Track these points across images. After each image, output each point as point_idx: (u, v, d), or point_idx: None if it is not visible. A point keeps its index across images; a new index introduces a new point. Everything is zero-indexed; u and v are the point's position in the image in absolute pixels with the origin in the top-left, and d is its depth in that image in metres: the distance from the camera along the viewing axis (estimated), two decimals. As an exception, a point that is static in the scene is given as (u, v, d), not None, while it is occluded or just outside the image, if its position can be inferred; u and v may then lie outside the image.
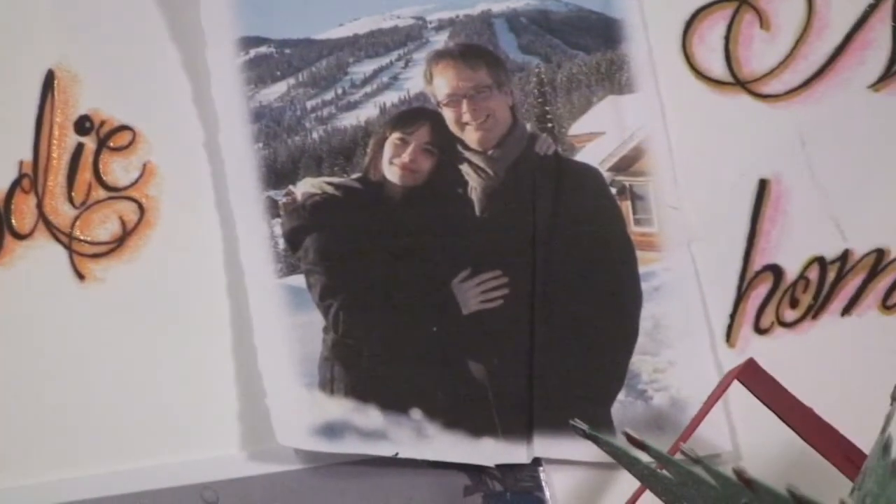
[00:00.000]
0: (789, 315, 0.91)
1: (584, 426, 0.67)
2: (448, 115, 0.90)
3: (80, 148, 0.88)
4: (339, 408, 0.85)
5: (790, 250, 0.91)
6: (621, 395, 0.88)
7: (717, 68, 0.93)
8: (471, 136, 0.89)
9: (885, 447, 0.65)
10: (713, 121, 0.92)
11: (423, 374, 0.87)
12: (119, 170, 0.88)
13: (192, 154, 0.88)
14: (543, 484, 0.87)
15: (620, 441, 0.65)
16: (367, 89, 0.91)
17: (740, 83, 0.92)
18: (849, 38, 0.93)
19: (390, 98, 0.90)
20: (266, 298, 0.86)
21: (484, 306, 0.88)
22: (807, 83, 0.92)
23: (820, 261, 0.91)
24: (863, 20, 0.93)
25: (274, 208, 0.88)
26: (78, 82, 0.88)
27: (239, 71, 0.89)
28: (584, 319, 0.89)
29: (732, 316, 0.91)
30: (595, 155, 0.91)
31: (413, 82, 0.91)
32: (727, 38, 0.93)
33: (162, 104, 0.89)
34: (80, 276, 0.87)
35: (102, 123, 0.88)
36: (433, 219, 0.89)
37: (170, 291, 0.87)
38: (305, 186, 0.88)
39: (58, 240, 0.87)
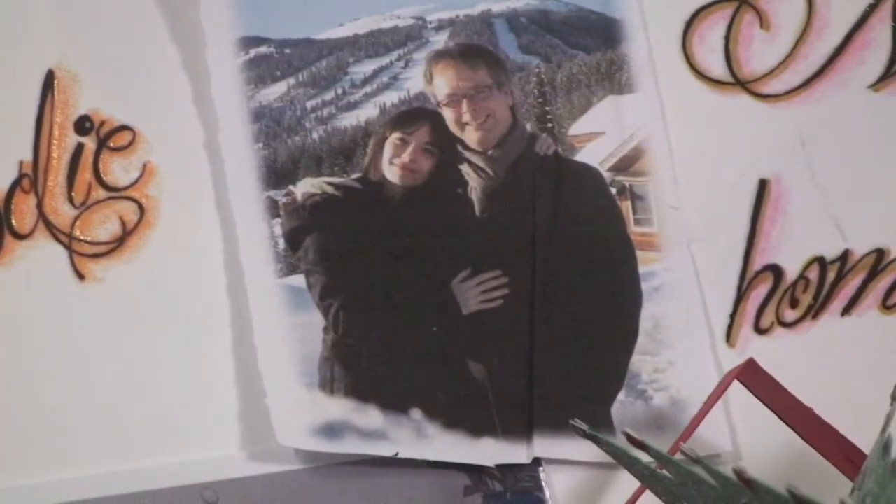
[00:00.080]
0: (789, 315, 0.91)
1: (584, 426, 0.67)
2: (448, 115, 0.90)
3: (80, 148, 0.87)
4: (339, 408, 0.85)
5: (790, 250, 0.91)
6: (621, 395, 0.88)
7: (717, 68, 0.92)
8: (471, 136, 0.89)
9: (885, 447, 0.65)
10: (713, 121, 0.92)
11: (423, 374, 0.87)
12: (119, 170, 0.88)
13: (192, 154, 0.88)
14: (543, 484, 0.87)
15: (620, 441, 0.65)
16: (367, 89, 0.91)
17: (740, 83, 0.92)
18: (849, 38, 0.93)
19: (390, 98, 0.90)
20: (266, 298, 0.86)
21: (484, 306, 0.88)
22: (807, 83, 0.92)
23: (820, 261, 0.91)
24: (863, 20, 0.93)
25: (274, 208, 0.88)
26: (78, 82, 0.88)
27: (239, 71, 0.89)
28: (584, 319, 0.89)
29: (732, 316, 0.91)
30: (595, 155, 0.91)
31: (413, 82, 0.90)
32: (727, 38, 0.93)
33: (162, 104, 0.89)
34: (80, 276, 0.87)
35: (102, 123, 0.88)
36: (433, 219, 0.89)
37: (170, 291, 0.87)
38: (305, 186, 0.88)
39: (58, 240, 0.87)
